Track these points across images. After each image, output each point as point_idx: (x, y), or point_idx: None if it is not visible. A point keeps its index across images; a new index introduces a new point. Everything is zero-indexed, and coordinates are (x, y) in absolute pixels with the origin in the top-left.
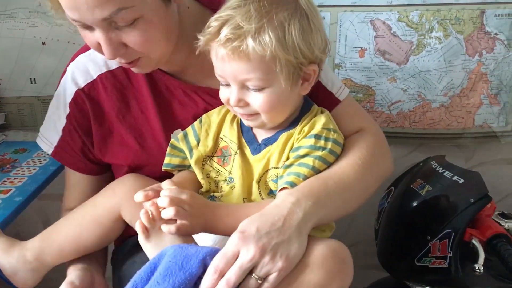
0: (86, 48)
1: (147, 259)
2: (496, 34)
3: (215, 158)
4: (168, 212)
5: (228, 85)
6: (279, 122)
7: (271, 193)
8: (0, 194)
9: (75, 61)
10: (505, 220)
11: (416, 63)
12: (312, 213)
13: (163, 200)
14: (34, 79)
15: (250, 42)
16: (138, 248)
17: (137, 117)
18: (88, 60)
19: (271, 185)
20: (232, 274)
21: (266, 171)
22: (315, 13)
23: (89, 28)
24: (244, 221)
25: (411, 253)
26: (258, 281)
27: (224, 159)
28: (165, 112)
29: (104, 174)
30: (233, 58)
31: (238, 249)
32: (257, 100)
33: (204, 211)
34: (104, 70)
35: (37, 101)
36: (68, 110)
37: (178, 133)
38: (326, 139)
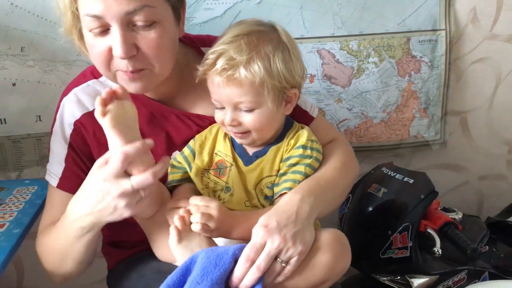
0: (78, 82)
1: (144, 273)
2: (421, 57)
3: (211, 171)
4: (196, 218)
5: (222, 108)
6: (267, 139)
7: (267, 198)
8: None
9: (69, 96)
10: (448, 213)
11: (357, 85)
12: (315, 207)
13: (194, 208)
14: (5, 119)
15: (242, 70)
16: (131, 266)
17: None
18: (83, 94)
19: (266, 191)
20: (262, 261)
21: (260, 179)
22: (294, 46)
23: (103, 32)
24: (264, 217)
25: (376, 248)
26: (282, 264)
27: (220, 171)
28: (162, 136)
29: None
30: (227, 84)
31: (265, 240)
32: (249, 119)
33: (227, 219)
34: None
35: (8, 141)
36: (69, 140)
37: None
38: (311, 149)
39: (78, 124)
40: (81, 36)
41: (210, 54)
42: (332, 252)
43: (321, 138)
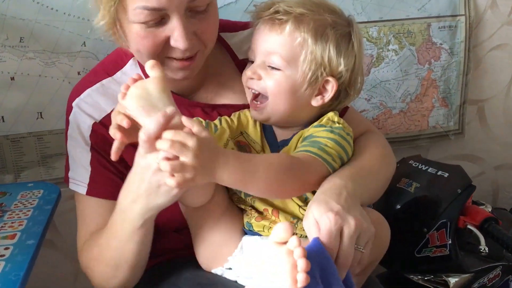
0: (90, 81)
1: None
2: (441, 44)
3: (234, 146)
4: (164, 166)
5: (253, 62)
6: (282, 117)
7: None
8: (8, 240)
9: (82, 97)
10: (480, 206)
11: (376, 74)
12: (358, 191)
13: (163, 144)
14: (2, 117)
15: (291, 20)
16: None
17: None
18: (98, 95)
19: None
20: (348, 248)
21: None
22: (359, 42)
23: (161, 22)
24: (318, 202)
25: (410, 247)
26: (362, 250)
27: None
28: None
29: None
30: (270, 29)
31: (340, 225)
32: (270, 78)
33: (213, 158)
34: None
35: (6, 141)
36: (89, 142)
37: None
38: (332, 127)
39: (98, 126)
40: (115, 25)
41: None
42: (385, 227)
43: (355, 129)
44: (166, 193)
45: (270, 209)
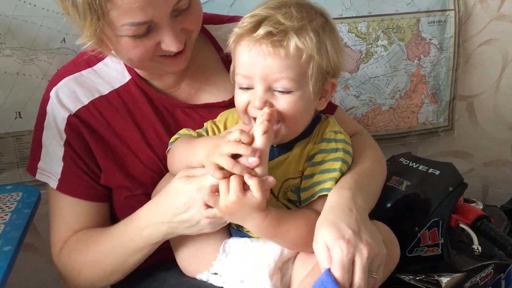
0: (69, 71)
1: None
2: (430, 39)
3: None
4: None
5: (248, 88)
6: (296, 135)
7: (291, 202)
8: None
9: (59, 85)
10: (472, 204)
11: (366, 71)
12: (367, 201)
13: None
14: None
15: (293, 37)
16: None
17: (138, 139)
18: (75, 85)
19: (290, 195)
20: (360, 280)
21: (284, 180)
22: (338, 33)
23: (149, 31)
24: (327, 227)
25: (401, 246)
26: (374, 276)
27: None
28: (167, 131)
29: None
30: (269, 53)
31: (352, 254)
32: (283, 102)
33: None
34: (96, 95)
35: None
36: (64, 137)
37: None
38: (336, 141)
39: (73, 119)
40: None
41: (249, 17)
42: (395, 244)
43: (345, 130)
44: (199, 230)
45: None
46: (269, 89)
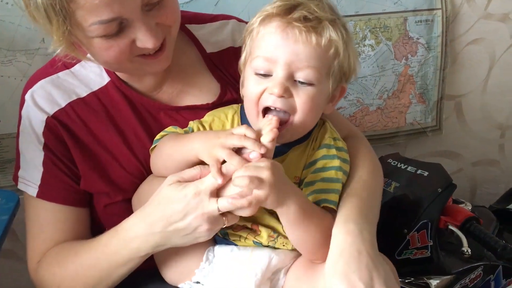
0: (45, 73)
1: None
2: (417, 38)
3: None
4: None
5: (266, 75)
6: (300, 135)
7: None
8: None
9: (35, 88)
10: (460, 205)
11: None
12: (373, 230)
13: (241, 181)
14: None
15: (327, 27)
16: None
17: (118, 142)
18: (52, 87)
19: None
20: None
21: None
22: None
23: (121, 29)
24: (338, 275)
25: (390, 249)
26: None
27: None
28: (149, 134)
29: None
30: (302, 38)
31: None
32: (302, 94)
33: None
34: (74, 97)
35: None
36: (43, 140)
37: None
38: (337, 148)
39: (51, 122)
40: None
41: (279, 1)
42: (397, 279)
43: (339, 133)
44: (194, 238)
45: (249, 224)
46: (291, 78)
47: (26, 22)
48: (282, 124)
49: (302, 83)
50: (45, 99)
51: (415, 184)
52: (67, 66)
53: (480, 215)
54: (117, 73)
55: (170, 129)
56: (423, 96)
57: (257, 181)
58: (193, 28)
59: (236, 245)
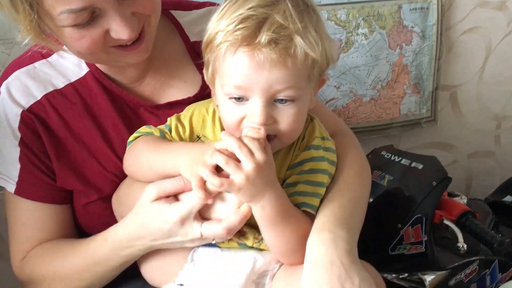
0: (21, 63)
1: None
2: (412, 27)
3: None
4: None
5: (240, 99)
6: (292, 142)
7: None
8: None
9: (10, 79)
10: (455, 198)
11: (346, 60)
12: (352, 239)
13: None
14: None
15: (300, 43)
16: None
17: (96, 137)
18: (27, 78)
19: None
20: None
21: None
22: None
23: (93, 18)
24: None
25: (383, 244)
26: None
27: None
28: (130, 130)
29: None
30: (276, 63)
31: None
32: (287, 115)
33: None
34: (50, 89)
35: None
36: (19, 135)
37: None
38: (325, 149)
39: (27, 116)
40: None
41: (241, 20)
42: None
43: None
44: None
45: None
46: (270, 101)
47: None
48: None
49: (283, 101)
50: (20, 91)
51: (410, 177)
52: (44, 55)
53: (476, 208)
54: (97, 64)
55: (144, 129)
56: (417, 87)
57: (233, 165)
58: (178, 14)
59: (219, 247)
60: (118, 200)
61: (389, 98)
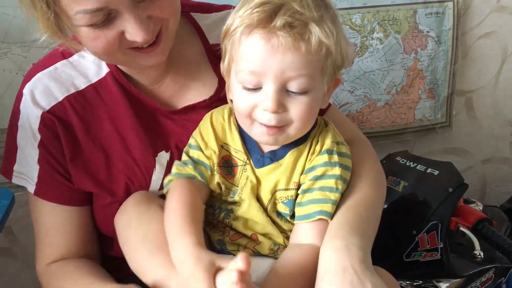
0: (44, 65)
1: None
2: (427, 31)
3: (217, 169)
4: None
5: (255, 89)
6: (299, 137)
7: (279, 215)
8: None
9: (32, 81)
10: (471, 204)
11: (360, 65)
12: (366, 247)
13: None
14: None
15: (315, 29)
16: None
17: (114, 140)
18: (49, 80)
19: (280, 207)
20: None
21: (274, 191)
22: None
23: (109, 19)
24: None
25: (398, 251)
26: None
27: (227, 171)
28: (147, 133)
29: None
30: (290, 47)
31: None
32: (299, 105)
33: None
34: (72, 91)
35: None
36: (38, 137)
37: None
38: (339, 154)
39: (47, 117)
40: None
41: (259, 5)
42: None
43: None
44: None
45: (250, 233)
46: (283, 89)
47: (21, 14)
48: (281, 127)
49: (295, 92)
50: (42, 93)
51: (425, 183)
52: (65, 56)
53: (492, 215)
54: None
55: (177, 169)
56: (432, 92)
57: None
58: (198, 17)
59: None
60: (122, 225)
61: (403, 103)
